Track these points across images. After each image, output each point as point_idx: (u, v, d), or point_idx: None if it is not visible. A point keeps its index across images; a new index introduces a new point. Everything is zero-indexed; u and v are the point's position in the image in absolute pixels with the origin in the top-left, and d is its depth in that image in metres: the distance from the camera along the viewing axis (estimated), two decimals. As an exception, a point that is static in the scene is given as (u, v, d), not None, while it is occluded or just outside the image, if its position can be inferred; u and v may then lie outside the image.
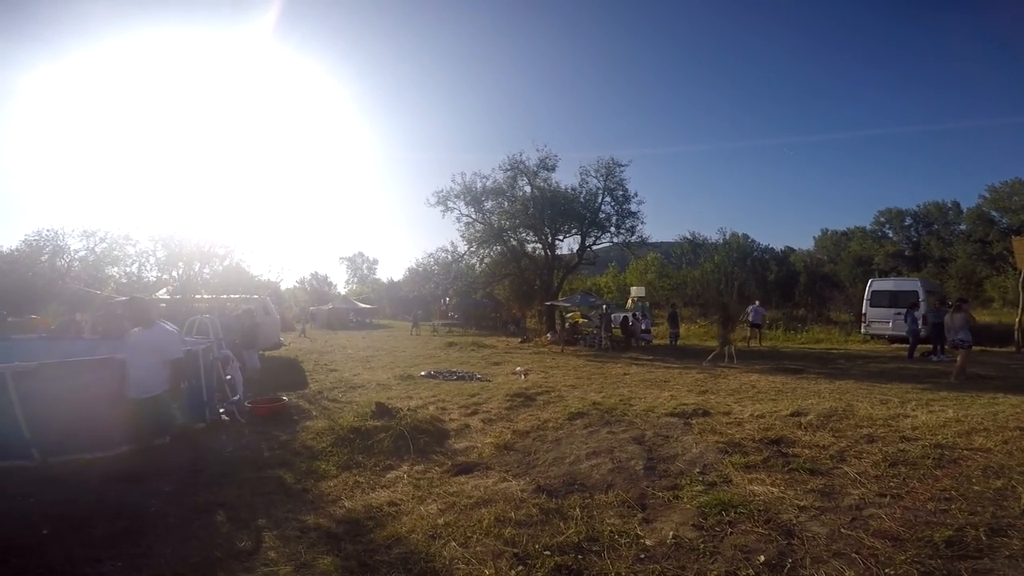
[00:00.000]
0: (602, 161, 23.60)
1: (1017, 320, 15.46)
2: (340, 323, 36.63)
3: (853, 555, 2.98)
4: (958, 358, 9.71)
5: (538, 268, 25.38)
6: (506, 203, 24.00)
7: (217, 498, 4.18)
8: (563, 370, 12.30)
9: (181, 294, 14.25)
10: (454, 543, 3.31)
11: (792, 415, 6.41)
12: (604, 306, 20.18)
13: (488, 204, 24.31)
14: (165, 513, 3.90)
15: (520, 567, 2.98)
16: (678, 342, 18.29)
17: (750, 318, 18.87)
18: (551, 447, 5.50)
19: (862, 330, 18.22)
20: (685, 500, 3.90)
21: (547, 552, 3.11)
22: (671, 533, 3.34)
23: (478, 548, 3.23)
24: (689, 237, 43.04)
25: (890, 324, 16.75)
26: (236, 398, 7.36)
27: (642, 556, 3.08)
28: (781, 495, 3.89)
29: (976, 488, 3.86)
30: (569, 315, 24.04)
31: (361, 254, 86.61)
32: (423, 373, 11.51)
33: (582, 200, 23.75)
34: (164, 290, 15.63)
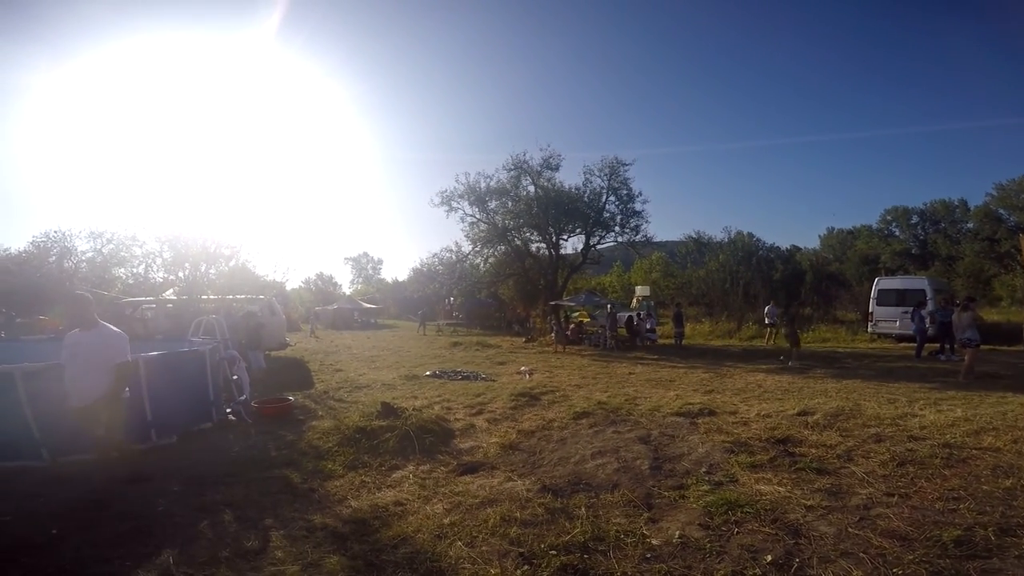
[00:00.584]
0: (606, 160, 23.57)
1: (1026, 318, 15.32)
2: (345, 323, 36.74)
3: (861, 555, 2.97)
4: (966, 357, 9.63)
5: (542, 268, 25.36)
6: (510, 203, 24.00)
7: (224, 498, 4.20)
8: (568, 370, 12.29)
9: (188, 295, 14.31)
10: (460, 543, 3.31)
11: (799, 414, 6.39)
12: (609, 306, 20.16)
13: (492, 204, 24.33)
14: (172, 513, 3.92)
15: (526, 567, 2.98)
16: (683, 341, 18.23)
17: (766, 319, 18.84)
18: (556, 447, 5.50)
19: (869, 329, 18.09)
20: (691, 500, 3.89)
21: (553, 552, 3.11)
22: (677, 533, 3.34)
23: (484, 548, 3.23)
24: (694, 236, 42.89)
25: (897, 323, 16.63)
26: (243, 398, 7.40)
27: (648, 556, 3.08)
28: (788, 495, 3.87)
29: (985, 488, 3.83)
30: (575, 315, 24.03)
31: (366, 254, 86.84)
32: (428, 373, 11.53)
33: (586, 199, 23.72)
34: (171, 291, 15.71)
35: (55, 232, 27.05)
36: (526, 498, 4.03)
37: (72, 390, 4.29)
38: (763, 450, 5.01)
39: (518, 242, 24.97)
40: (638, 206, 23.89)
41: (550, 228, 23.86)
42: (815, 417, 6.19)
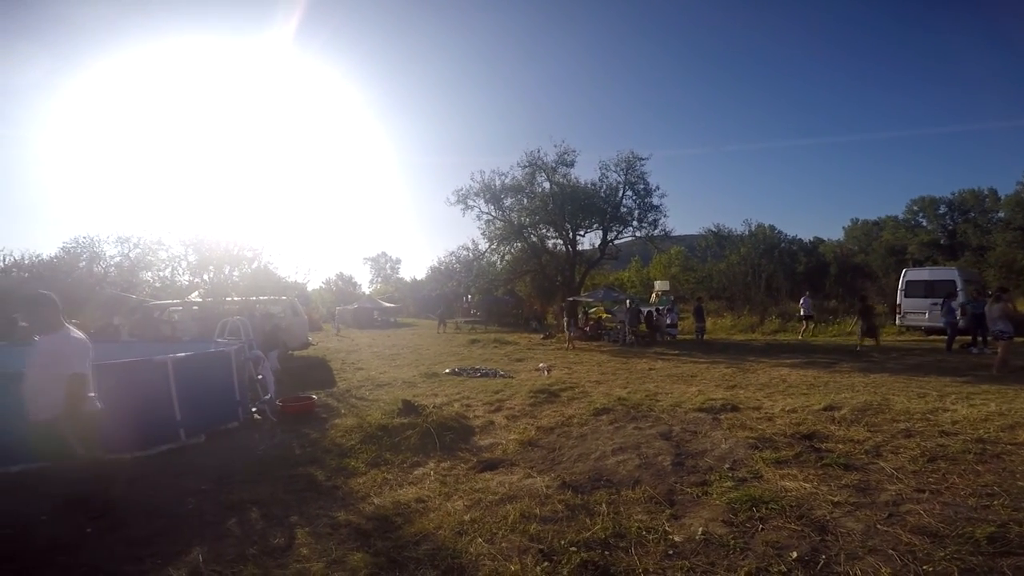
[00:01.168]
0: (622, 155, 23.37)
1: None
2: (365, 322, 37.14)
3: (890, 551, 2.90)
4: (999, 350, 9.34)
5: (559, 264, 25.29)
6: (525, 200, 23.98)
7: (251, 495, 4.29)
8: (587, 366, 12.25)
9: (213, 297, 14.63)
10: (480, 539, 3.33)
11: (825, 409, 6.26)
12: (628, 301, 20.01)
13: (507, 201, 24.35)
14: (202, 511, 4.01)
15: (546, 563, 2.98)
16: (704, 336, 18.02)
17: (801, 311, 18.52)
18: (576, 443, 5.49)
19: (896, 322, 17.66)
20: (714, 496, 3.84)
21: (573, 548, 3.10)
22: (700, 529, 3.30)
23: (504, 544, 3.24)
24: (713, 229, 42.30)
25: (926, 315, 16.20)
26: (267, 397, 7.53)
27: (670, 552, 3.05)
28: (814, 491, 3.80)
29: (1020, 483, 3.70)
30: (592, 310, 23.92)
31: (384, 254, 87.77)
32: (447, 370, 11.60)
33: (602, 195, 23.57)
34: (196, 293, 16.06)
35: (84, 238, 27.90)
36: (546, 495, 4.03)
37: (28, 402, 3.70)
38: (788, 446, 4.92)
39: (534, 239, 24.94)
40: (656, 200, 23.69)
41: (566, 224, 23.77)
42: (842, 412, 6.06)
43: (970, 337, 13.18)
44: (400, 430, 5.89)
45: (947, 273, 17.32)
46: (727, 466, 4.49)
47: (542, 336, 21.45)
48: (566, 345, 17.10)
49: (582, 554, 3.02)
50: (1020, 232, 39.62)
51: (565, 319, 18.28)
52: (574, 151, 23.76)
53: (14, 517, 3.57)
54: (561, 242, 24.93)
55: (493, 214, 24.60)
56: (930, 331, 16.18)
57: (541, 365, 12.20)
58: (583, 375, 10.61)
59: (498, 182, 23.97)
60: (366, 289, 73.35)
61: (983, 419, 5.49)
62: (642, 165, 23.35)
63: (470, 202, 24.37)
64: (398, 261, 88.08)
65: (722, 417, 6.17)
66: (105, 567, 3.16)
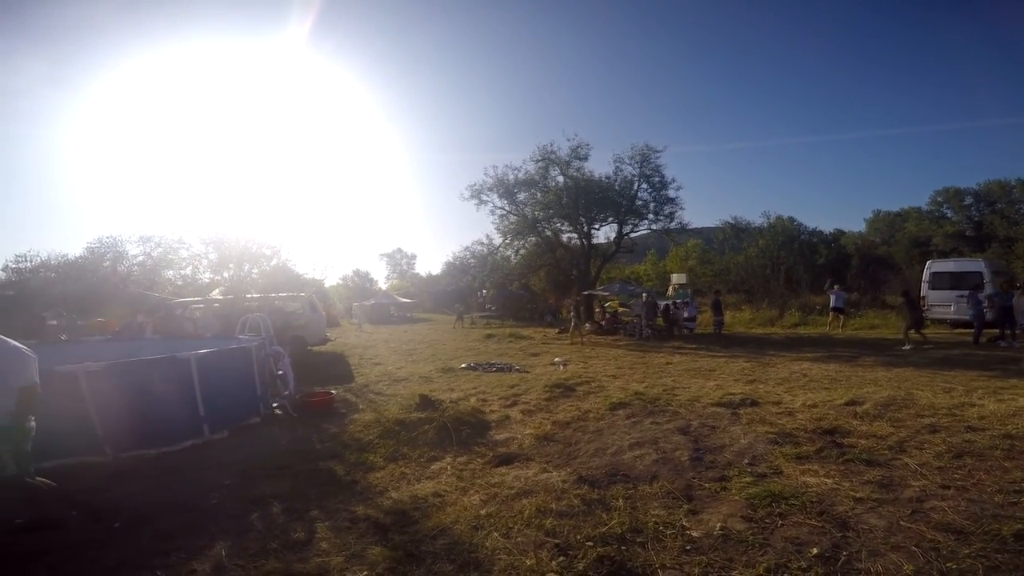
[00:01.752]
0: (636, 148, 23.15)
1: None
2: (382, 318, 37.45)
3: (913, 548, 2.85)
4: (1030, 341, 9.08)
5: (574, 258, 25.20)
6: (539, 194, 23.91)
7: (273, 490, 4.36)
8: (603, 360, 12.21)
9: (233, 294, 14.89)
10: (496, 533, 3.34)
11: (847, 404, 6.16)
12: (645, 294, 19.86)
13: (521, 196, 24.30)
14: (225, 506, 4.10)
15: (561, 557, 2.98)
16: (723, 330, 17.80)
17: (832, 302, 18.18)
18: (592, 438, 5.48)
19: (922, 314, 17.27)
20: (733, 491, 3.81)
21: (589, 543, 3.11)
22: (719, 525, 3.28)
23: (519, 539, 3.26)
24: (731, 222, 41.65)
25: (952, 307, 15.81)
26: (288, 392, 7.65)
27: (688, 548, 3.04)
28: (836, 486, 3.75)
29: (1051, 480, 3.61)
30: (607, 304, 23.78)
31: (400, 250, 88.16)
32: (463, 365, 11.65)
33: (617, 188, 23.38)
34: (217, 291, 16.36)
35: (108, 238, 28.62)
36: (562, 489, 4.03)
37: None
38: (809, 441, 4.86)
39: (549, 233, 24.89)
40: (672, 193, 23.42)
41: (581, 218, 23.65)
42: (865, 407, 5.96)
43: (998, 330, 12.83)
44: (417, 425, 5.94)
45: (974, 264, 16.86)
46: (746, 461, 4.45)
47: (557, 330, 21.39)
48: (577, 340, 16.85)
49: (598, 549, 3.02)
50: (1051, 222, 38.38)
51: (571, 314, 18.04)
52: (588, 145, 23.62)
53: (45, 513, 3.67)
54: (576, 236, 24.84)
55: (507, 209, 24.61)
56: (956, 324, 15.79)
57: (557, 359, 12.19)
58: (599, 369, 10.58)
59: (511, 177, 23.96)
60: (382, 285, 73.95)
61: (1011, 414, 5.35)
62: (657, 157, 23.13)
63: (484, 197, 24.40)
64: (414, 257, 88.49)
65: (741, 412, 6.11)
66: (132, 561, 3.24)
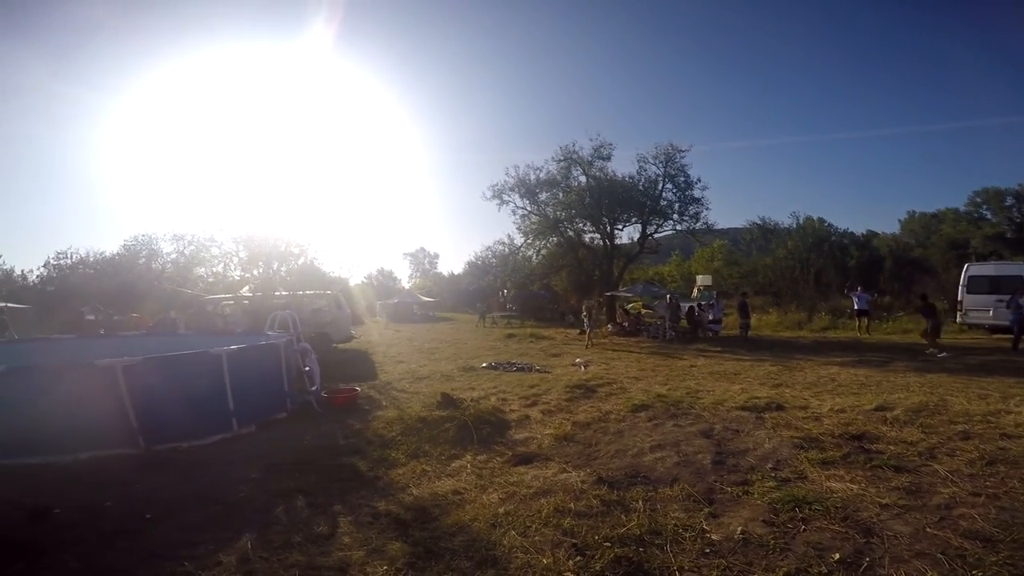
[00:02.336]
0: (660, 147, 22.86)
1: None
2: (405, 316, 37.85)
3: (938, 555, 2.78)
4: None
5: (597, 258, 25.03)
6: (561, 194, 23.79)
7: (298, 484, 4.45)
8: (625, 362, 12.13)
9: (262, 292, 15.24)
10: (514, 532, 3.36)
11: (877, 410, 6.01)
12: (668, 295, 19.64)
13: (542, 196, 24.19)
14: (252, 498, 4.20)
15: (578, 557, 2.99)
16: (749, 333, 17.48)
17: (856, 304, 17.73)
18: (613, 439, 5.46)
19: (958, 319, 16.64)
20: (755, 495, 3.76)
21: (607, 543, 3.10)
22: (739, 528, 3.25)
23: (537, 538, 3.27)
24: (758, 222, 40.85)
25: (991, 312, 15.21)
26: (314, 388, 7.81)
27: (707, 551, 3.02)
28: (861, 492, 3.67)
29: (1090, 491, 3.47)
30: (629, 305, 23.59)
31: (423, 249, 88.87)
32: (484, 365, 11.71)
33: (641, 188, 23.13)
34: (247, 288, 16.76)
35: (143, 236, 29.64)
36: (580, 489, 4.03)
37: None
38: (836, 446, 4.76)
39: (571, 233, 24.74)
40: (697, 193, 23.05)
41: (604, 218, 23.47)
42: (895, 413, 5.81)
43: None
44: (439, 423, 6.01)
45: (1014, 268, 16.20)
46: (770, 466, 4.38)
47: (579, 331, 21.31)
48: (591, 342, 16.53)
49: (616, 550, 3.02)
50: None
51: (585, 315, 17.68)
52: (611, 144, 23.40)
53: (80, 502, 3.81)
54: (598, 236, 24.66)
55: (528, 209, 24.55)
56: (994, 329, 15.20)
57: (578, 360, 12.16)
58: (621, 371, 10.51)
59: (533, 176, 23.89)
60: (406, 284, 74.68)
61: (1051, 422, 5.15)
62: (682, 157, 22.81)
63: (505, 197, 24.35)
64: (436, 256, 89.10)
65: (766, 416, 6.01)
66: (161, 552, 3.33)
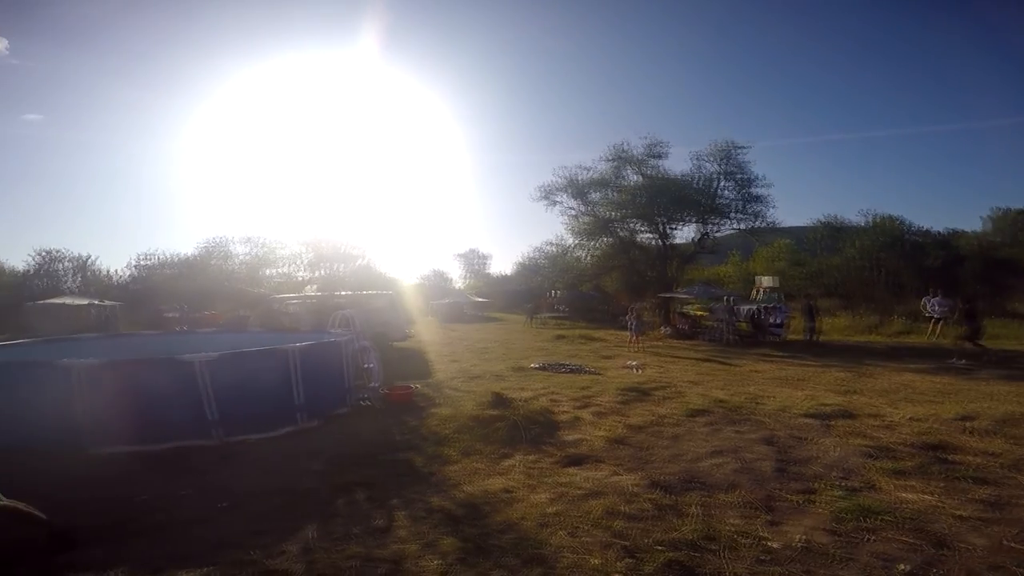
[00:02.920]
0: (717, 145, 22.11)
1: None
2: (457, 316, 38.40)
3: (1014, 568, 2.59)
4: None
5: (650, 259, 24.49)
6: (612, 193, 23.43)
7: (358, 478, 4.64)
8: (681, 365, 11.83)
9: (325, 291, 15.97)
10: (562, 532, 3.38)
11: (958, 419, 5.61)
12: (728, 297, 18.97)
13: (593, 196, 23.93)
14: (316, 489, 4.41)
15: (629, 559, 2.97)
16: (816, 337, 16.58)
17: (935, 310, 16.58)
18: (668, 443, 5.36)
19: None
20: (820, 504, 3.61)
21: (659, 547, 3.07)
22: (800, 537, 3.12)
23: (586, 538, 3.27)
24: (826, 221, 38.61)
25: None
26: (374, 385, 8.10)
27: (764, 558, 2.92)
28: (937, 504, 3.45)
29: None
30: (687, 307, 22.91)
31: (474, 250, 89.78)
32: (534, 365, 11.74)
33: (698, 186, 22.46)
34: (312, 287, 17.61)
35: (217, 238, 31.76)
36: (633, 492, 3.99)
37: None
38: (910, 456, 4.48)
39: (623, 233, 24.33)
40: (759, 191, 22.15)
41: (658, 217, 22.94)
42: (978, 422, 5.39)
43: None
44: (491, 422, 6.10)
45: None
46: (836, 475, 4.19)
47: (633, 335, 20.91)
48: (634, 342, 16.02)
49: (668, 553, 2.98)
50: None
51: (631, 317, 17.06)
52: (665, 143, 22.87)
53: (162, 490, 4.12)
54: (653, 236, 24.13)
55: (578, 209, 24.35)
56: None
57: (632, 362, 11.96)
58: (677, 375, 10.26)
59: (582, 177, 23.67)
60: (458, 284, 75.75)
61: None
62: (742, 154, 21.98)
63: (554, 197, 24.28)
64: (488, 257, 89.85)
65: (834, 424, 5.73)
66: (230, 540, 3.52)
